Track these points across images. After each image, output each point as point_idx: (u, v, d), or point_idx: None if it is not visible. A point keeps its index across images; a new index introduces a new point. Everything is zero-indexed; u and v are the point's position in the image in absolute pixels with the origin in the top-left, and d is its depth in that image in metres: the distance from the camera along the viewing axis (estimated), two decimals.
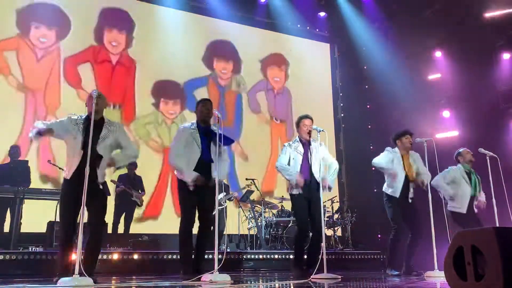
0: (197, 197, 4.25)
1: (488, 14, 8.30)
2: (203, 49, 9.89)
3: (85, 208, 3.68)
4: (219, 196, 5.02)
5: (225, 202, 7.29)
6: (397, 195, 5.27)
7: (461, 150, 5.82)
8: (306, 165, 4.71)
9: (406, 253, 5.31)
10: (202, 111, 4.38)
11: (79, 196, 3.64)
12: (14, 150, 6.83)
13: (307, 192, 4.67)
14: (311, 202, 4.67)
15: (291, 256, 5.97)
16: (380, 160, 5.43)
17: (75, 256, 3.57)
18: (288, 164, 4.73)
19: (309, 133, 4.75)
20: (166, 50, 9.48)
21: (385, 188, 5.46)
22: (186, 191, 4.22)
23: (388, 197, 5.37)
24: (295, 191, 4.71)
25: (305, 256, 4.75)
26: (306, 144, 4.78)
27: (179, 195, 4.34)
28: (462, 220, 5.53)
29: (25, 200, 6.19)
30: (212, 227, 4.45)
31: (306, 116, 4.83)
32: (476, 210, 5.63)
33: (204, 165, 4.26)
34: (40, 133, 3.70)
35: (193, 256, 4.28)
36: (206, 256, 4.45)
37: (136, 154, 4.20)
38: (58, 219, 4.66)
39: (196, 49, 9.84)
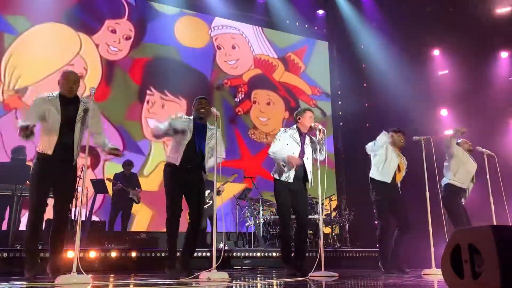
0: (185, 189, 4.27)
1: (486, 12, 8.30)
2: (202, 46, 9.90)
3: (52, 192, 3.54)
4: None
5: (210, 199, 6.84)
6: (389, 180, 5.25)
7: (459, 140, 5.83)
8: (302, 156, 4.60)
9: (393, 251, 5.14)
10: (198, 108, 4.38)
11: (54, 176, 3.52)
12: (17, 150, 6.83)
13: (296, 182, 4.55)
14: (297, 193, 4.57)
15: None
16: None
17: (73, 254, 3.52)
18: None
19: (311, 127, 4.64)
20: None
21: (374, 174, 5.41)
22: (174, 182, 4.24)
23: (376, 185, 5.35)
24: (283, 177, 4.54)
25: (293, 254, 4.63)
26: (303, 136, 4.69)
27: (166, 186, 4.31)
28: (458, 195, 5.56)
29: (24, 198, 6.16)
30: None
31: (309, 109, 4.84)
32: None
33: (194, 154, 4.23)
34: (24, 130, 3.35)
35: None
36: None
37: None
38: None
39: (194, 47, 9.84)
